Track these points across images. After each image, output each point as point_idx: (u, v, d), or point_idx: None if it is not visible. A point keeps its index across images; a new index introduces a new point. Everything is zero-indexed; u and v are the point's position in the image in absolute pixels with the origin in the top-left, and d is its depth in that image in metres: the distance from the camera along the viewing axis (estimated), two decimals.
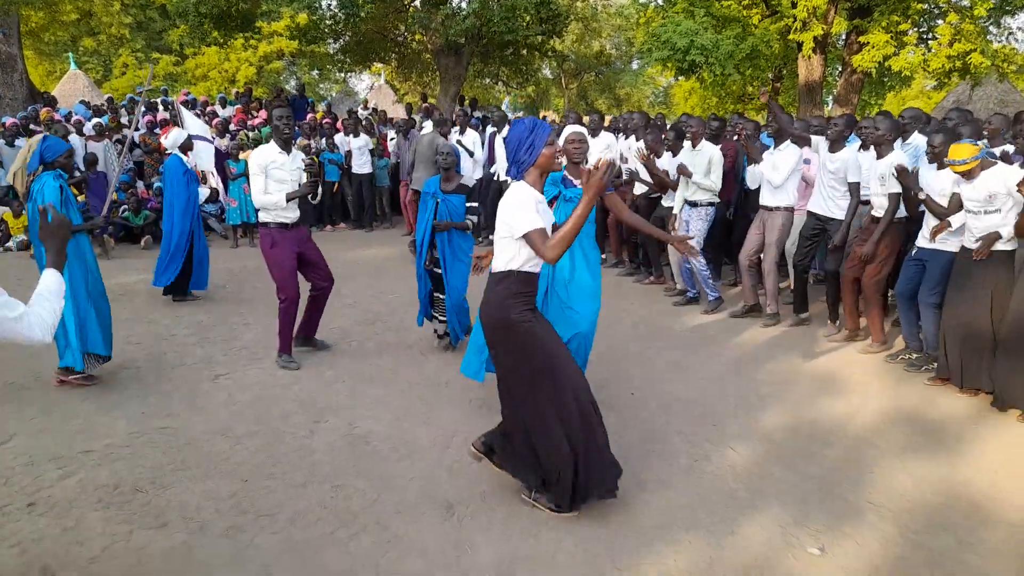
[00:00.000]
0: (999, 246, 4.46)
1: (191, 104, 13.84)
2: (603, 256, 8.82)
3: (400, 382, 4.87)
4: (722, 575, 2.87)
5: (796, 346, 5.73)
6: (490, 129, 10.34)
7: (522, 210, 2.98)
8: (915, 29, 12.81)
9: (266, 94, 17.98)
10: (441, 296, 5.35)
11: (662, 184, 6.79)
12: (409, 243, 5.84)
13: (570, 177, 4.24)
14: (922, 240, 5.04)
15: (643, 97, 34.15)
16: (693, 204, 6.49)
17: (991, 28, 12.06)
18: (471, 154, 9.72)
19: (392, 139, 11.63)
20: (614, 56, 27.69)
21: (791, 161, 5.90)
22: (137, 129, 10.42)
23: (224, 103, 13.97)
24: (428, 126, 10.31)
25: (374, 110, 15.62)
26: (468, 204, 5.19)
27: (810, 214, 6.01)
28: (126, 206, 10.18)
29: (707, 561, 2.96)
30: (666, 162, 6.92)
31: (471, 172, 9.73)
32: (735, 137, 6.04)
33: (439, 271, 5.27)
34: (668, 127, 7.39)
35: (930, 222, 4.95)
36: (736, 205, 7.51)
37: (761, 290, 6.43)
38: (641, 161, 6.62)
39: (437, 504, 3.36)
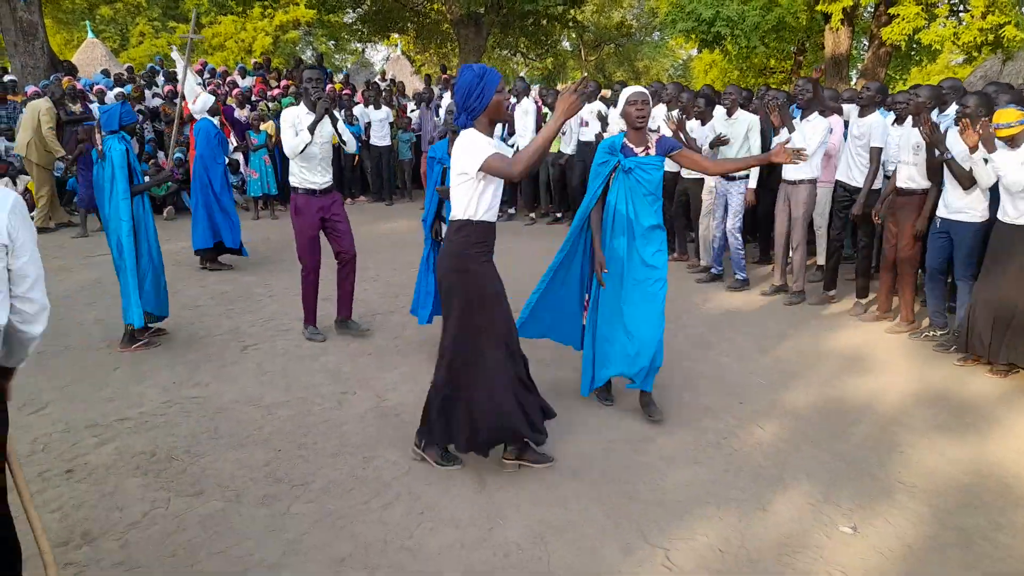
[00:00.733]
0: None
1: (211, 73, 13.81)
2: None
3: (425, 355, 4.89)
4: (754, 551, 2.88)
5: (822, 324, 5.70)
6: (512, 99, 10.23)
7: (476, 144, 3.00)
8: (947, 1, 12.51)
9: (283, 64, 17.90)
10: None
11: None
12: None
13: (630, 144, 3.83)
14: (943, 210, 4.97)
15: (662, 70, 33.68)
16: (731, 178, 6.39)
17: None
18: None
19: (413, 111, 11.57)
20: (634, 27, 27.27)
21: (820, 131, 5.81)
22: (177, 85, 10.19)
23: (244, 73, 13.91)
24: (447, 98, 10.22)
25: (392, 81, 15.52)
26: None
27: (838, 183, 5.94)
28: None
29: (739, 537, 2.97)
30: (696, 131, 6.80)
31: None
32: (768, 107, 5.92)
33: None
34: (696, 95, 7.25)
35: (950, 191, 4.88)
36: (759, 180, 7.41)
37: (788, 267, 6.38)
38: (672, 129, 6.50)
39: (467, 476, 3.39)
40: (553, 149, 9.37)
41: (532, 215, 9.97)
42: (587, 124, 8.75)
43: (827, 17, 12.62)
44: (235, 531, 2.95)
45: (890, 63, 14.39)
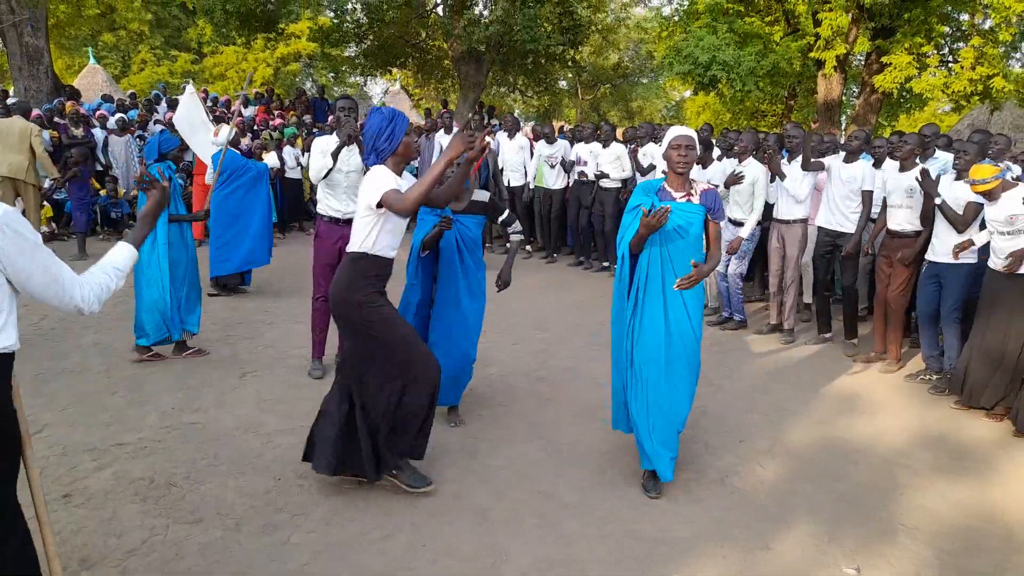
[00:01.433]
0: None
1: (213, 101, 13.95)
2: (606, 265, 8.86)
3: None
4: None
5: (818, 364, 5.73)
6: (500, 135, 10.36)
7: (380, 180, 3.10)
8: (936, 52, 12.85)
9: (283, 94, 18.10)
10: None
11: None
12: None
13: (669, 188, 3.55)
14: (932, 255, 5.06)
15: (655, 110, 34.23)
16: (738, 223, 6.44)
17: (1013, 52, 12.10)
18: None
19: (415, 142, 11.69)
20: (630, 69, 27.79)
21: (809, 175, 5.93)
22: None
23: (246, 102, 14.05)
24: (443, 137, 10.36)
25: None
26: (502, 218, 4.23)
27: (820, 229, 6.02)
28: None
29: None
30: (696, 175, 6.91)
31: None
32: (765, 157, 6.03)
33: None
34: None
35: (941, 236, 4.97)
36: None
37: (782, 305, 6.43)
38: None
39: (470, 509, 3.37)
40: (539, 183, 9.49)
41: (528, 248, 10.05)
42: (585, 163, 8.87)
43: (820, 64, 12.93)
44: (235, 560, 2.92)
45: (880, 110, 14.71)
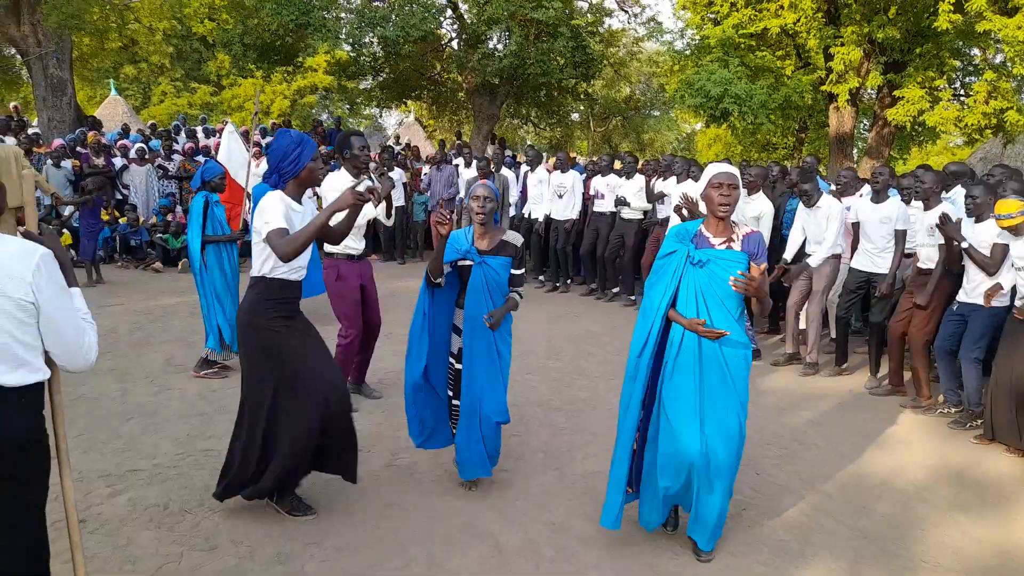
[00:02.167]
0: None
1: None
2: (633, 298, 8.84)
3: None
4: None
5: (837, 397, 5.68)
6: (524, 168, 10.48)
7: (270, 213, 3.09)
8: (949, 86, 12.90)
9: (301, 127, 18.41)
10: (457, 403, 3.74)
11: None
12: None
13: (707, 234, 3.14)
14: (963, 295, 5.01)
15: (667, 142, 34.44)
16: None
17: None
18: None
19: (426, 174, 11.83)
20: (642, 101, 28.05)
21: (836, 217, 5.92)
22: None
23: (264, 134, 14.26)
24: (463, 170, 10.48)
25: (407, 145, 15.90)
26: (514, 272, 3.68)
27: (852, 270, 6.00)
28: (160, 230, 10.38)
29: None
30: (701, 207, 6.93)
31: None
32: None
33: (459, 366, 3.73)
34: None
35: (972, 277, 4.93)
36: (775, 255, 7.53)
37: (801, 338, 6.39)
38: (686, 206, 6.61)
39: (484, 540, 3.34)
40: (538, 215, 9.60)
41: (541, 278, 10.07)
42: (603, 196, 8.92)
43: (832, 97, 12.99)
44: None
45: (893, 143, 14.73)
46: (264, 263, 3.19)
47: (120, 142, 12.04)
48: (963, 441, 4.85)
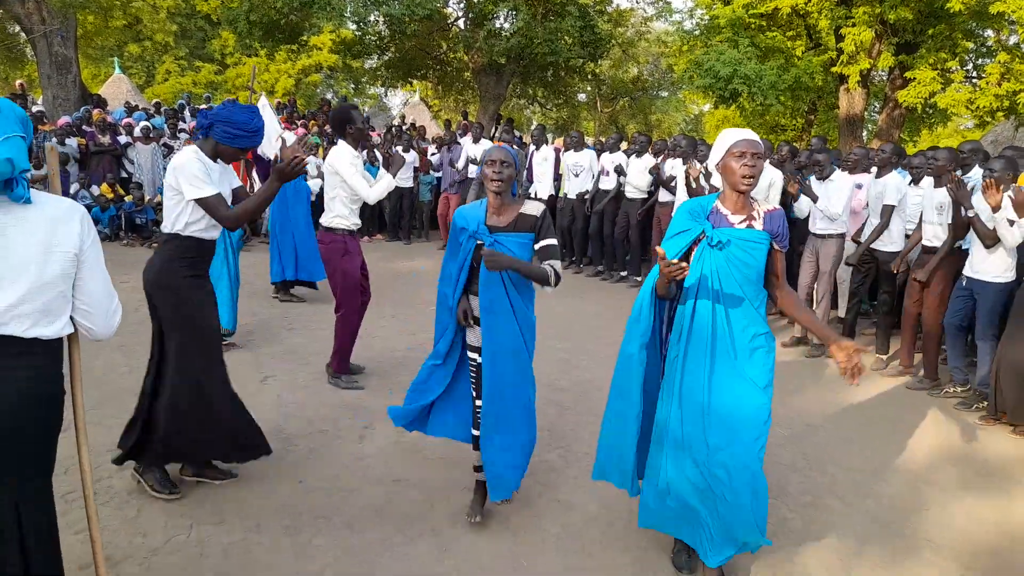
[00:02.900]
0: None
1: None
2: (639, 279, 8.82)
3: None
4: None
5: (843, 378, 5.66)
6: (531, 148, 10.42)
7: (198, 176, 3.09)
8: (961, 67, 12.76)
9: (305, 106, 18.32)
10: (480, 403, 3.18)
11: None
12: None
13: (724, 210, 2.72)
14: (969, 270, 4.99)
15: (674, 124, 34.24)
16: None
17: None
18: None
19: (433, 154, 11.77)
20: (649, 82, 27.85)
21: (845, 190, 5.90)
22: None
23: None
24: (470, 145, 10.39)
25: (412, 125, 15.82)
26: (543, 244, 3.09)
27: (857, 242, 6.00)
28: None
29: None
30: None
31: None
32: (786, 181, 6.04)
33: (478, 359, 3.17)
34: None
35: (976, 252, 4.91)
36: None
37: None
38: (694, 178, 6.57)
39: (491, 517, 3.35)
40: (543, 194, 9.56)
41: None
42: (608, 173, 8.88)
43: (842, 79, 12.88)
44: (258, 561, 2.92)
45: (903, 125, 14.61)
46: (177, 220, 3.19)
47: (125, 120, 12.00)
48: (969, 422, 4.85)
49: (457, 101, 23.19)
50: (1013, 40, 12.01)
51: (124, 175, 11.17)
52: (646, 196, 8.57)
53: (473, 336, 3.19)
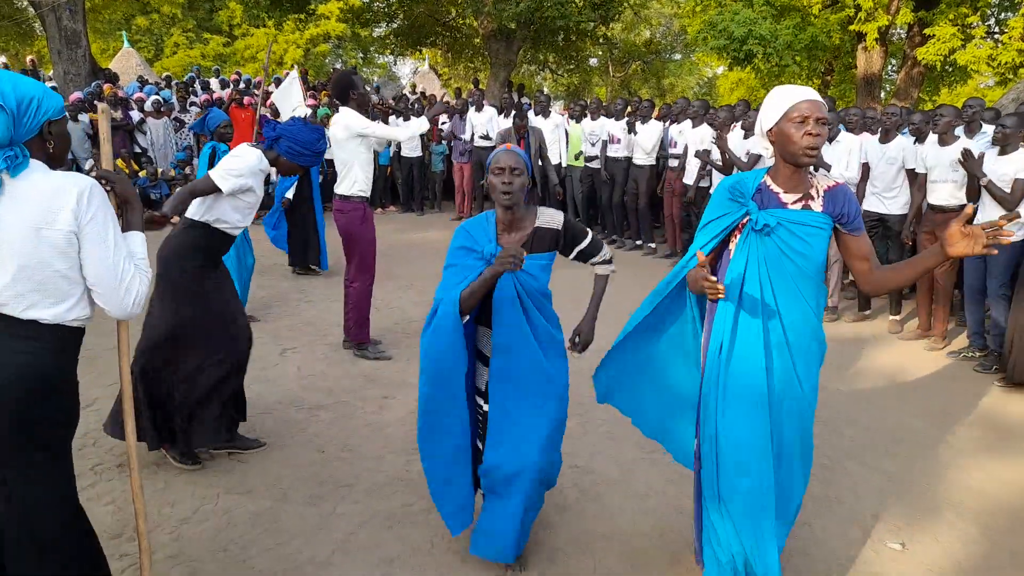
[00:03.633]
0: None
1: (246, 84, 14.05)
2: (653, 246, 8.78)
3: None
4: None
5: (860, 341, 5.65)
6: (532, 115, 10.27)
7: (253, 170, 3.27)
8: (982, 23, 12.43)
9: (314, 77, 18.19)
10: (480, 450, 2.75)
11: (730, 169, 6.61)
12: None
13: (775, 189, 2.23)
14: None
15: (687, 87, 33.73)
16: None
17: None
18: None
19: (444, 123, 11.67)
20: (662, 45, 27.39)
21: (855, 149, 5.84)
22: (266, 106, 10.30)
23: (278, 83, 14.14)
24: (477, 116, 10.25)
25: (422, 94, 15.70)
26: (579, 249, 2.78)
27: (865, 212, 5.91)
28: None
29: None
30: (737, 141, 6.69)
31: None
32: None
33: (487, 407, 2.69)
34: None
35: (987, 213, 4.84)
36: None
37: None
38: (719, 145, 6.48)
39: None
40: (571, 163, 9.44)
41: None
42: (618, 141, 8.77)
43: (860, 37, 12.60)
44: (284, 529, 2.99)
45: (922, 84, 14.31)
46: (208, 211, 3.25)
47: (136, 95, 11.99)
48: (988, 384, 4.84)
49: (467, 69, 22.95)
50: None
51: (137, 150, 11.20)
52: (654, 162, 8.48)
53: (481, 377, 2.71)
